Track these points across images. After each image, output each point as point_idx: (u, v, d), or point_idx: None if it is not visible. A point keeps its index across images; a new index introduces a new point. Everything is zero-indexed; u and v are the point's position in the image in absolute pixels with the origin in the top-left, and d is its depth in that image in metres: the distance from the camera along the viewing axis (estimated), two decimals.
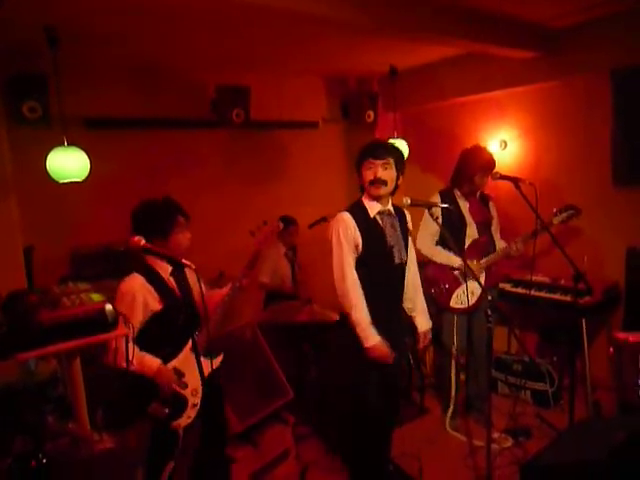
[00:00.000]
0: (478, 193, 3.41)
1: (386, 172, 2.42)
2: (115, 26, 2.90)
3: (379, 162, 2.41)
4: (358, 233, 2.44)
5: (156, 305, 2.22)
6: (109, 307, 1.67)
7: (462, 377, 3.73)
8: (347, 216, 2.46)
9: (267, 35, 3.28)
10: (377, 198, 2.48)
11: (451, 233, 2.93)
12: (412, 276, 2.70)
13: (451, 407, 3.46)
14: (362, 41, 3.56)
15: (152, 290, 2.22)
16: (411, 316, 2.75)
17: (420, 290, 2.76)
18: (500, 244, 3.41)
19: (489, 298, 2.48)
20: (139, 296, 2.17)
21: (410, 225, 2.69)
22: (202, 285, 2.06)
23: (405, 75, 4.49)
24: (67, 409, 1.92)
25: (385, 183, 2.42)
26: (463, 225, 3.29)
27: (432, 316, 2.84)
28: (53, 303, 1.62)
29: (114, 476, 1.78)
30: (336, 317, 3.20)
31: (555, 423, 3.30)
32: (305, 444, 3.33)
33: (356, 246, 2.45)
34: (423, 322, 2.73)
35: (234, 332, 3.58)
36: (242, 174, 4.51)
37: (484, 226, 3.38)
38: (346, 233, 2.43)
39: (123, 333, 1.75)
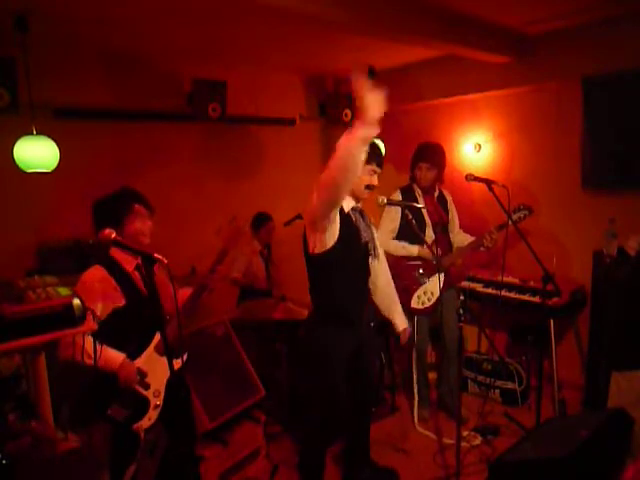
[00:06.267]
0: (436, 193, 3.44)
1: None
2: (90, 12, 2.81)
3: (379, 171, 2.46)
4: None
5: (119, 299, 2.14)
6: (77, 301, 1.61)
7: (431, 376, 3.77)
8: None
9: (246, 30, 3.24)
10: (357, 199, 2.49)
11: (411, 232, 2.96)
12: (384, 273, 2.71)
13: (415, 400, 3.48)
14: (341, 40, 3.55)
15: (114, 283, 2.14)
16: (386, 317, 2.74)
17: (394, 287, 2.77)
18: (465, 239, 3.42)
19: (461, 298, 2.52)
20: (98, 287, 2.08)
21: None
22: (173, 281, 2.00)
23: (383, 75, 4.50)
24: (30, 407, 1.85)
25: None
26: (423, 224, 3.30)
27: None
28: (17, 297, 1.56)
29: (78, 476, 1.73)
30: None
31: (523, 421, 3.36)
32: (276, 443, 3.30)
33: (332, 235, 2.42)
34: (403, 322, 2.76)
35: (206, 329, 3.54)
36: (217, 169, 4.45)
37: (440, 227, 3.37)
38: None
39: (91, 328, 1.69)
